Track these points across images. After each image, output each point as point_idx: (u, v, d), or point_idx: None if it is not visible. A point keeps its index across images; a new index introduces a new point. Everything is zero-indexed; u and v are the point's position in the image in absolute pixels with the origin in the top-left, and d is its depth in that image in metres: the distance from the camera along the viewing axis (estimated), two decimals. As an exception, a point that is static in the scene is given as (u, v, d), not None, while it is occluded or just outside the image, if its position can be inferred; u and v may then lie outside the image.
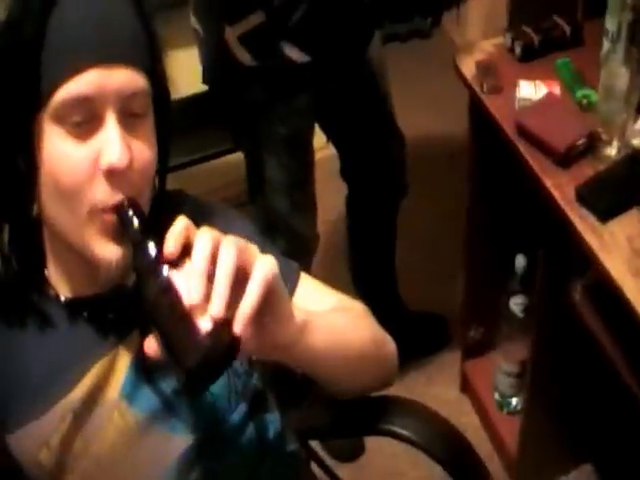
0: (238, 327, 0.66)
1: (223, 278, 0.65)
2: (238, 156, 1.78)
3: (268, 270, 0.68)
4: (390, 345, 0.99)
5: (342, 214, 2.03)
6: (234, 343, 0.66)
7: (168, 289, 0.67)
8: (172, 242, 0.68)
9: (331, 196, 1.95)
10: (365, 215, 1.96)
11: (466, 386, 2.00)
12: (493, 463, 1.81)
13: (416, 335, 2.02)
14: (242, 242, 0.69)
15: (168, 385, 0.87)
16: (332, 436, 1.23)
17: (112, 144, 0.73)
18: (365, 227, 1.98)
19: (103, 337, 0.85)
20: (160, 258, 0.68)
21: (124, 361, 0.85)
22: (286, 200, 1.66)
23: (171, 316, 0.66)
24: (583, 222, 1.27)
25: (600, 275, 1.23)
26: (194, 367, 0.64)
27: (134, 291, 0.72)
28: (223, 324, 0.65)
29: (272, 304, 0.70)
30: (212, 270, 0.66)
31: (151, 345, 0.68)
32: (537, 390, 1.63)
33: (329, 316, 0.88)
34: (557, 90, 1.48)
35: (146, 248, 0.70)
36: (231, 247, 0.67)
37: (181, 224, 0.69)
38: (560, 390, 1.64)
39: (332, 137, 1.85)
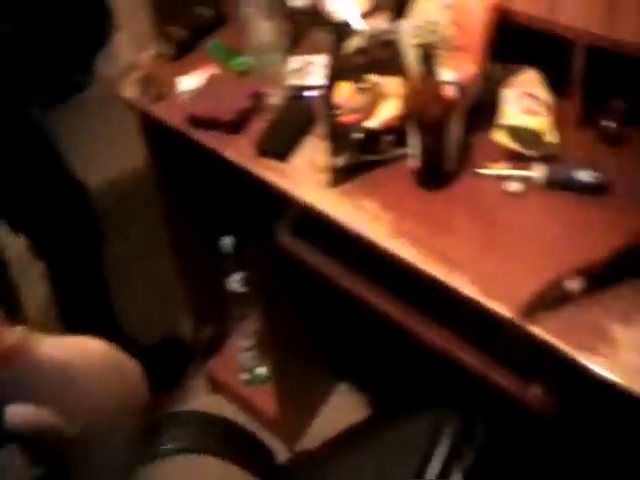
0: None
1: None
2: None
3: None
4: (129, 361, 1.03)
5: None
6: None
7: None
8: None
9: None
10: (71, 280, 2.00)
11: (216, 385, 2.12)
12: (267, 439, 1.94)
13: (158, 367, 2.11)
14: None
15: None
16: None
17: None
18: (75, 291, 2.02)
19: None
20: None
21: None
22: None
23: None
24: (270, 170, 1.36)
25: (300, 207, 1.35)
26: None
27: None
28: None
29: None
30: None
31: None
32: (278, 346, 1.79)
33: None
34: (216, 71, 1.63)
35: None
36: None
37: None
38: (298, 334, 1.81)
39: (16, 224, 1.88)
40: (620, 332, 1.00)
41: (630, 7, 1.27)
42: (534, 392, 1.04)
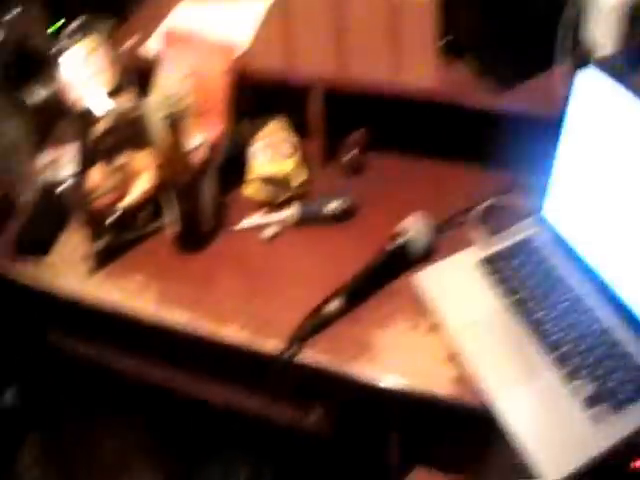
0: None
1: None
2: None
3: None
4: None
5: None
6: None
7: None
8: None
9: None
10: None
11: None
12: None
13: None
14: None
15: None
16: None
17: None
18: None
19: None
20: None
21: None
22: None
23: None
24: (29, 270, 1.36)
25: (66, 301, 1.37)
26: None
27: None
28: None
29: None
30: None
31: None
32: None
33: None
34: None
35: None
36: None
37: None
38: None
39: None
40: (378, 338, 1.08)
41: (357, 50, 1.41)
42: (312, 419, 1.09)
